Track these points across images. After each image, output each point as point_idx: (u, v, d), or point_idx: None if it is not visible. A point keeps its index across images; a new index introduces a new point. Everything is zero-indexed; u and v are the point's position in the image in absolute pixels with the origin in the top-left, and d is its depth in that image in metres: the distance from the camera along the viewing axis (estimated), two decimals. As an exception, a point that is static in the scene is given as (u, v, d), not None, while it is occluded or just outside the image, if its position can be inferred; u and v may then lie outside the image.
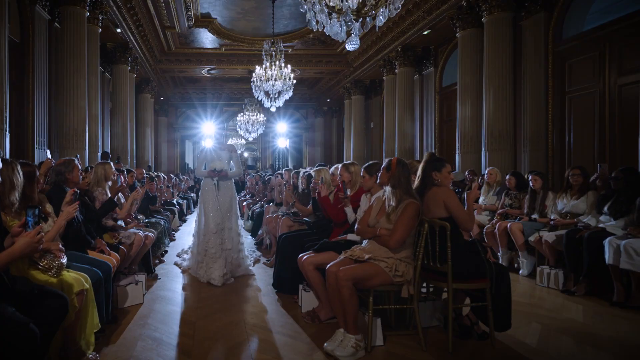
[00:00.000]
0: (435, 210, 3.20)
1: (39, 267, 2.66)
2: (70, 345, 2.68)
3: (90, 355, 2.80)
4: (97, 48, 8.84)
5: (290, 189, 5.94)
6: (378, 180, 3.37)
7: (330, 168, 5.28)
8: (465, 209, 3.28)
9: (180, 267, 5.68)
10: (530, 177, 5.53)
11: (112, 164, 4.79)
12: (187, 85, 18.44)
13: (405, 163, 3.28)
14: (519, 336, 3.33)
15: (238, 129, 17.95)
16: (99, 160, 8.55)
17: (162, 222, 6.25)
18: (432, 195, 3.22)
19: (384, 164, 3.30)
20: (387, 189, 3.25)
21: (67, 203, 3.06)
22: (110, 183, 4.60)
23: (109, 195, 4.41)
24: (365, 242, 3.31)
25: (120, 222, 4.74)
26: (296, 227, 5.51)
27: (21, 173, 2.66)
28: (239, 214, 5.52)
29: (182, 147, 21.88)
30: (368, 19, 3.76)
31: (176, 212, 9.38)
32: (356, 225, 3.44)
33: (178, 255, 6.25)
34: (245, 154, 24.73)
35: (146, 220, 5.86)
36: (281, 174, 8.19)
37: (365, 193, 3.82)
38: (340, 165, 4.43)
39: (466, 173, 7.70)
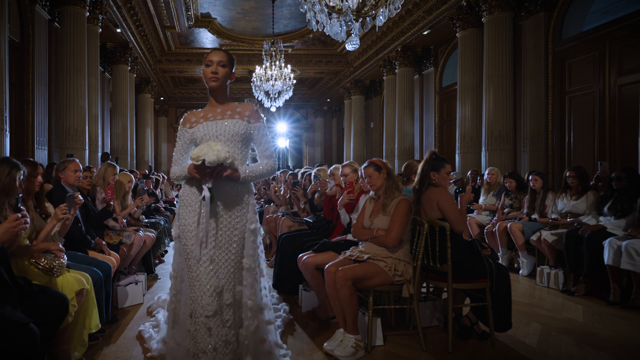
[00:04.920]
0: (429, 211, 3.20)
1: (39, 267, 2.66)
2: (60, 344, 2.67)
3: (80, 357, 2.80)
4: (97, 48, 8.85)
5: (299, 192, 5.80)
6: (368, 182, 3.32)
7: (328, 168, 5.27)
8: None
9: (144, 342, 3.13)
10: (530, 177, 5.53)
11: (117, 167, 4.77)
12: (187, 85, 18.44)
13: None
14: (519, 336, 3.33)
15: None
16: (99, 160, 8.58)
17: (162, 222, 6.25)
18: (428, 195, 3.23)
19: (369, 168, 3.26)
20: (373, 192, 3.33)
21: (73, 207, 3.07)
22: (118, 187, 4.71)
23: (104, 195, 4.40)
24: (361, 244, 3.32)
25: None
26: (296, 227, 5.50)
27: (17, 179, 2.61)
28: (263, 263, 2.66)
29: (182, 147, 21.86)
30: (368, 19, 3.77)
31: (176, 212, 9.38)
32: (352, 228, 3.45)
33: (149, 313, 3.78)
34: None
35: (146, 220, 5.85)
36: (277, 175, 8.18)
37: (364, 193, 3.82)
38: (345, 165, 4.38)
39: (469, 174, 7.71)
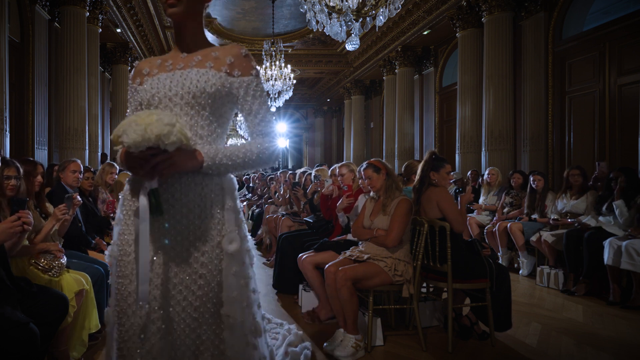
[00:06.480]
0: (429, 211, 3.20)
1: (39, 267, 2.66)
2: (59, 345, 2.67)
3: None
4: (97, 48, 8.85)
5: (300, 192, 5.82)
6: (367, 184, 3.33)
7: (328, 168, 5.27)
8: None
9: None
10: (531, 178, 5.53)
11: (117, 167, 4.76)
12: (187, 85, 18.42)
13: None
14: (519, 336, 3.33)
15: (238, 129, 17.97)
16: (99, 160, 8.59)
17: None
18: (428, 195, 3.23)
19: (368, 170, 3.26)
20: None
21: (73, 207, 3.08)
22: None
23: (106, 196, 4.38)
24: (361, 244, 3.32)
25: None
26: (296, 227, 5.51)
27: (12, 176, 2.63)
28: (254, 309, 1.61)
29: (182, 147, 21.84)
30: (368, 19, 3.77)
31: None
32: (352, 227, 3.46)
33: None
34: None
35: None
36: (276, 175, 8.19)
37: (363, 193, 3.83)
38: (341, 165, 4.38)
39: (469, 174, 7.71)
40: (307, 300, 3.87)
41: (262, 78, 9.81)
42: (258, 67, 1.60)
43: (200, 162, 1.46)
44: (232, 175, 1.61)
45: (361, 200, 3.80)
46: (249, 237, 1.64)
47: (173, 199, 1.50)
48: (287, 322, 3.43)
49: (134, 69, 1.71)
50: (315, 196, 5.27)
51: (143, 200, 1.43)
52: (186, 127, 1.46)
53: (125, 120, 1.39)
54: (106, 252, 1.64)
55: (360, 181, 3.79)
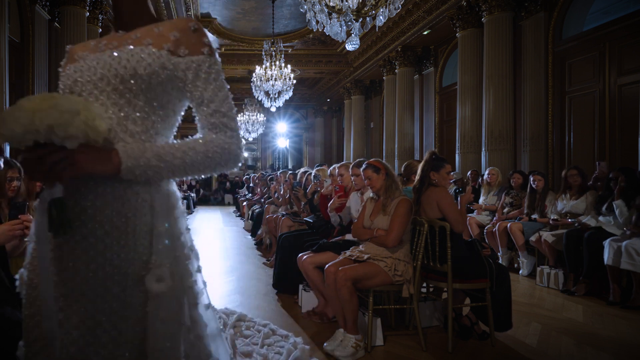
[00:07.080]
0: (429, 211, 3.21)
1: (39, 267, 2.66)
2: None
3: None
4: (97, 48, 8.85)
5: (300, 192, 5.83)
6: (367, 184, 3.34)
7: (328, 168, 5.28)
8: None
9: None
10: (531, 178, 5.53)
11: None
12: (187, 85, 18.41)
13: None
14: (519, 336, 3.33)
15: (238, 129, 17.98)
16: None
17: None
18: (428, 195, 3.24)
19: (367, 170, 3.27)
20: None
21: None
22: None
23: None
24: (361, 244, 3.32)
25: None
26: (296, 227, 5.51)
27: (5, 178, 2.64)
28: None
29: (182, 147, 21.81)
30: (368, 19, 3.78)
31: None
32: (352, 227, 3.46)
33: None
34: (245, 154, 24.65)
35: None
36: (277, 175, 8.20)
37: (356, 191, 3.83)
38: (341, 166, 4.38)
39: (469, 174, 7.71)
40: (307, 300, 3.87)
41: (262, 78, 9.88)
42: (215, 45, 1.25)
43: (115, 165, 1.09)
44: (171, 189, 1.24)
45: (353, 197, 3.80)
46: (199, 269, 1.28)
47: (85, 214, 1.14)
48: (292, 335, 3.20)
49: (66, 54, 1.37)
50: (315, 196, 5.27)
51: (40, 215, 1.11)
52: (107, 118, 1.13)
53: (12, 106, 1.04)
54: (16, 276, 1.31)
55: (353, 178, 3.78)
